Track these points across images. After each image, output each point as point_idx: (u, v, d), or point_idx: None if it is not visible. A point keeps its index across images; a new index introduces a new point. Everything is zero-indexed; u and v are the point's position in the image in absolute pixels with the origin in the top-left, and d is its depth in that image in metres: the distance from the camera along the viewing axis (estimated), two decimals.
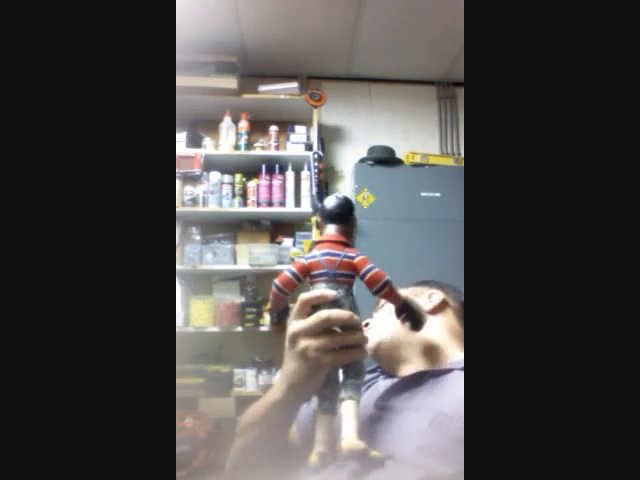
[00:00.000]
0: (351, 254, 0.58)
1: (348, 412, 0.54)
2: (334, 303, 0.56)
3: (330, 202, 0.61)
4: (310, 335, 0.55)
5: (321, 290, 0.57)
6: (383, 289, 0.57)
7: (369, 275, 0.57)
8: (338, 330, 0.56)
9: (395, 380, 0.73)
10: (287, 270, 0.59)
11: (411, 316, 0.61)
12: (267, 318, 2.39)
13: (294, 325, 0.57)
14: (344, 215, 0.60)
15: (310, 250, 0.60)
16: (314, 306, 0.56)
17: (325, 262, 0.57)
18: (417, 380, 0.69)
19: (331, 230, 0.59)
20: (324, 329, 0.55)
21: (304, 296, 0.57)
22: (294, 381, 0.58)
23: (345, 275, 0.57)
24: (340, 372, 0.58)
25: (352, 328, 0.56)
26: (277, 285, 0.59)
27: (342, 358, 0.56)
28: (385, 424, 0.64)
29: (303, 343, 0.55)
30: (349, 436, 0.53)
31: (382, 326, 0.82)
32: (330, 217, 0.60)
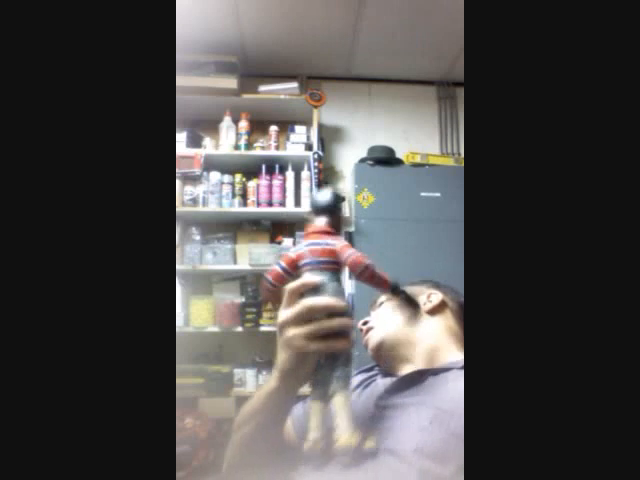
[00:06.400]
0: (333, 241, 0.59)
1: (339, 407, 0.55)
2: (318, 289, 0.57)
3: (324, 197, 0.62)
4: (296, 323, 0.56)
5: (305, 277, 0.58)
6: (365, 273, 0.58)
7: (350, 260, 0.58)
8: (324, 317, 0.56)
9: (395, 379, 0.73)
10: (277, 264, 0.60)
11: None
12: (267, 318, 2.40)
13: (282, 314, 0.58)
14: (333, 209, 0.61)
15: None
16: (301, 294, 0.57)
17: (308, 252, 0.58)
18: (417, 378, 0.69)
19: (320, 222, 0.60)
20: (310, 316, 0.56)
21: (290, 285, 0.58)
22: (284, 369, 0.60)
23: (328, 262, 0.58)
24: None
25: (338, 314, 0.56)
26: (268, 279, 0.60)
27: (329, 345, 0.56)
28: (386, 421, 0.64)
29: (290, 331, 0.56)
30: (342, 433, 0.54)
31: (382, 326, 0.83)
32: (321, 211, 0.61)
